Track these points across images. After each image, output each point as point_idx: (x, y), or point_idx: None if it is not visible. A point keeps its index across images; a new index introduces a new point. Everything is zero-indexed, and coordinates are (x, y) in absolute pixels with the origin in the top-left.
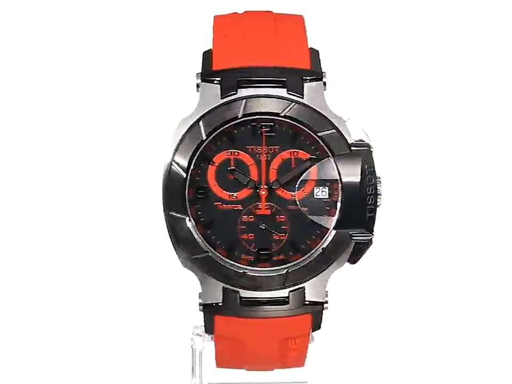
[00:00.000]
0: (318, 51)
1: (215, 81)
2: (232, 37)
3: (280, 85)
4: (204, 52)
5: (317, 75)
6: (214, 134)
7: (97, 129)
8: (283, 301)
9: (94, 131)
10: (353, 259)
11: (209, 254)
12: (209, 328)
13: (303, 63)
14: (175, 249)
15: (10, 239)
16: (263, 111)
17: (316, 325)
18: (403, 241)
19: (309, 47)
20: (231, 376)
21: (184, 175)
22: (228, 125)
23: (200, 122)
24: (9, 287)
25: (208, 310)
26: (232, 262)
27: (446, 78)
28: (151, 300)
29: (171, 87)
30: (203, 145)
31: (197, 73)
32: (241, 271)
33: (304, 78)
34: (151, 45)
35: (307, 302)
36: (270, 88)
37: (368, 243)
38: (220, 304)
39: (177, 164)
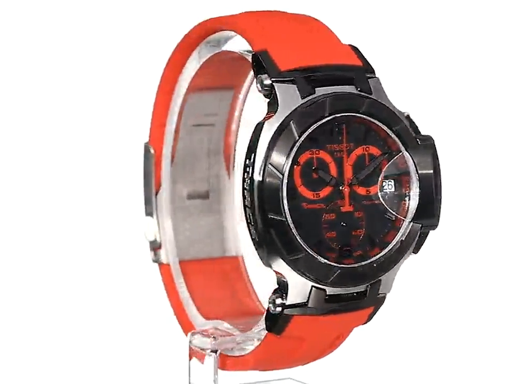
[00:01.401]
0: (357, 48)
1: (288, 82)
2: (281, 37)
3: (349, 83)
4: (257, 53)
5: (371, 71)
6: (305, 134)
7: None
8: (361, 295)
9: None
10: (417, 249)
11: (306, 254)
12: (279, 328)
13: (353, 60)
14: (268, 252)
15: None
16: (344, 108)
17: (370, 318)
18: None
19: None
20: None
21: (281, 177)
22: (317, 124)
23: (292, 123)
24: None
25: (289, 310)
26: (324, 260)
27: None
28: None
29: None
30: (295, 146)
31: (262, 75)
32: (334, 269)
33: (367, 74)
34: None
35: (379, 295)
36: (341, 86)
37: (429, 233)
38: (304, 303)
39: (274, 166)
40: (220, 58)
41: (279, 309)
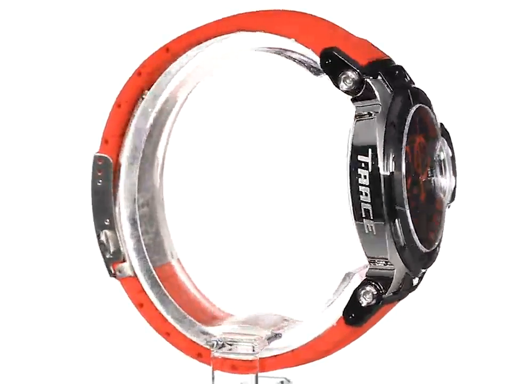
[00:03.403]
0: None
1: (374, 76)
2: (334, 34)
3: (404, 75)
4: (330, 50)
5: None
6: (406, 127)
7: None
8: (421, 278)
9: None
10: None
11: (415, 244)
12: (364, 320)
13: (383, 53)
14: (386, 245)
15: None
16: (417, 100)
17: None
18: None
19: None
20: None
21: (402, 170)
22: (409, 116)
23: (398, 117)
24: None
25: (383, 300)
26: (424, 249)
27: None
28: None
29: None
30: (403, 139)
31: (347, 71)
32: (426, 256)
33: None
34: None
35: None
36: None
37: None
38: (396, 291)
39: (396, 160)
40: None
41: (374, 300)
